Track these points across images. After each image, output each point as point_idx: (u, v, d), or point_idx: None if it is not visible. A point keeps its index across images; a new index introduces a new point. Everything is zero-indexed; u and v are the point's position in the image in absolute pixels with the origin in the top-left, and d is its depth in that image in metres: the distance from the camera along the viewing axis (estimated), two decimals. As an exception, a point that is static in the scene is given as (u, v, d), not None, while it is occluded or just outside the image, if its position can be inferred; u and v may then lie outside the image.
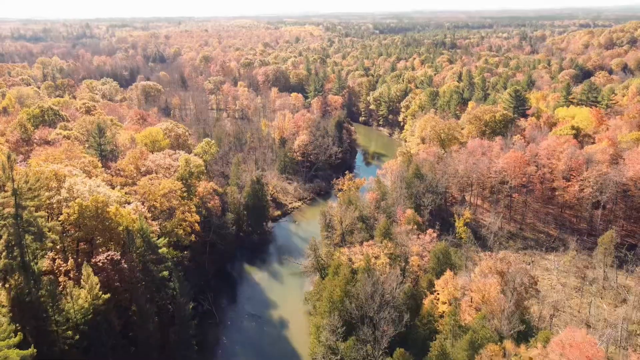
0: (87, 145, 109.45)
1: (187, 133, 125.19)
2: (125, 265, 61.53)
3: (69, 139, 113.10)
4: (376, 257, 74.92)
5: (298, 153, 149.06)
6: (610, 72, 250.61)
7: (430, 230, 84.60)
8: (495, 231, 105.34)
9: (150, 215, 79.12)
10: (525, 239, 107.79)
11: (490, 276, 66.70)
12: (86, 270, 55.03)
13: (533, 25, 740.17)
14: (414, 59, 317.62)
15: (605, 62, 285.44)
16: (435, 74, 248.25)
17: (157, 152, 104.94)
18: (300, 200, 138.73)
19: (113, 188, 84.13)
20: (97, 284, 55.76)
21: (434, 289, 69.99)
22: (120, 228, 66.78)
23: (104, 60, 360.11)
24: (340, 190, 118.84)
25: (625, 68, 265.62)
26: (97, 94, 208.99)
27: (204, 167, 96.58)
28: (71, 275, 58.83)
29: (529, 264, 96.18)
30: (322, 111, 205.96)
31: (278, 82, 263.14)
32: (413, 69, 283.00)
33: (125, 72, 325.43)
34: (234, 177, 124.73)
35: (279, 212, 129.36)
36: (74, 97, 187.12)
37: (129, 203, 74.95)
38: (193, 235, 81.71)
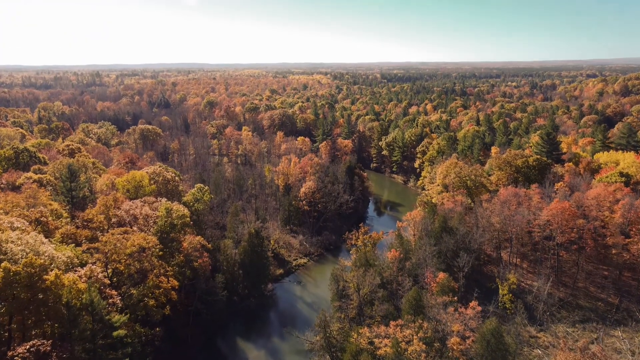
0: (59, 192, 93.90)
1: (177, 178, 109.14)
2: (57, 361, 43.36)
3: (41, 183, 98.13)
4: (407, 342, 56.04)
5: (304, 201, 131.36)
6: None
7: (473, 303, 65.79)
8: (545, 299, 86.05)
9: (114, 281, 61.61)
10: (581, 309, 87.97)
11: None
12: (-13, 375, 37.08)
13: (540, 76, 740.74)
14: (426, 104, 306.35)
15: (625, 109, 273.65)
16: (450, 119, 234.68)
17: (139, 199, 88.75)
18: (306, 256, 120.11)
19: (75, 244, 67.39)
20: (5, 395, 37.58)
21: (489, 391, 50.77)
22: (63, 302, 49.21)
23: (108, 105, 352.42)
24: (353, 245, 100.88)
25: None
26: (92, 137, 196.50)
27: (188, 218, 79.53)
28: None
29: (593, 342, 76.60)
30: (330, 156, 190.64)
31: (284, 126, 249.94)
32: (426, 113, 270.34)
33: (128, 117, 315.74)
34: (231, 229, 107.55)
35: (281, 271, 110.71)
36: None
37: (83, 265, 57.58)
38: (168, 307, 63.54)
